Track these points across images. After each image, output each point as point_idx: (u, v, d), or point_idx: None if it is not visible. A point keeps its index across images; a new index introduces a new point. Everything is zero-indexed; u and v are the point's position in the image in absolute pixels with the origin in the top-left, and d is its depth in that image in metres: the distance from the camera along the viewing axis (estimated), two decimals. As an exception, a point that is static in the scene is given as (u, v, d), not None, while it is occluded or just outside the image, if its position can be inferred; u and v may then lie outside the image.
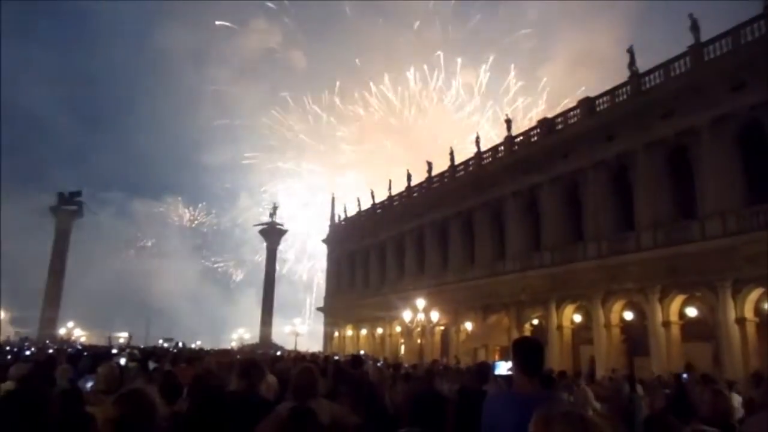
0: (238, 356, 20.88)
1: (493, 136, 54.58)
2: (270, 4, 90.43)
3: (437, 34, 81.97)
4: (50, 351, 23.16)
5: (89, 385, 6.65)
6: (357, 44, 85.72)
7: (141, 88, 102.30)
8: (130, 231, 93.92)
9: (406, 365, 20.01)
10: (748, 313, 21.31)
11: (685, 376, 13.32)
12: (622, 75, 27.65)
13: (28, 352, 22.12)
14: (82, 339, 61.87)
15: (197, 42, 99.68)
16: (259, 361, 5.81)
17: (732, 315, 21.29)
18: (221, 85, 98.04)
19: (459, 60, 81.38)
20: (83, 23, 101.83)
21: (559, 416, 1.83)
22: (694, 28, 23.89)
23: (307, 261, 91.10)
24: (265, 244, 73.25)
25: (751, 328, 21.28)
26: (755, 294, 21.15)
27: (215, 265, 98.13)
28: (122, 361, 11.44)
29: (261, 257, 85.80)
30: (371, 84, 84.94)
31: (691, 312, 23.77)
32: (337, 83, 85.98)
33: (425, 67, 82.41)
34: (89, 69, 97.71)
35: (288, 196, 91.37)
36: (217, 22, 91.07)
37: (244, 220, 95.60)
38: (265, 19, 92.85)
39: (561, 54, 77.44)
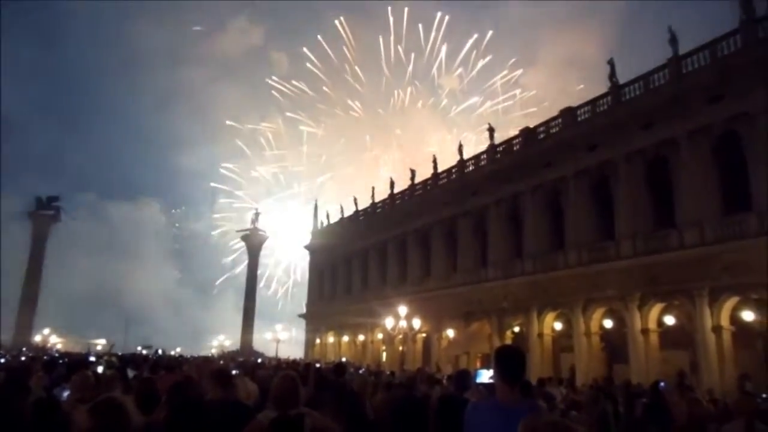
0: (221, 362, 20.68)
1: (476, 141, 54.86)
2: (249, 7, 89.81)
3: (420, 37, 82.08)
4: (23, 359, 22.68)
5: (65, 393, 6.52)
6: (340, 47, 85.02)
7: (115, 87, 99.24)
8: (105, 235, 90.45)
9: (387, 372, 19.97)
10: (725, 321, 21.65)
11: (662, 384, 13.43)
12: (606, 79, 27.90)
13: (1, 360, 21.61)
14: (59, 346, 60.71)
15: (174, 41, 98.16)
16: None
17: (709, 323, 21.62)
18: (199, 86, 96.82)
19: (443, 62, 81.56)
20: (54, 21, 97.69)
21: (545, 426, 1.84)
22: (673, 40, 24.38)
23: (288, 267, 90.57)
24: (245, 249, 72.64)
25: (727, 336, 21.62)
26: (731, 302, 21.50)
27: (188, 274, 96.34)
28: (99, 369, 11.22)
29: (240, 262, 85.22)
30: (355, 86, 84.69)
31: (669, 320, 24.09)
32: (323, 88, 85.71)
33: (409, 68, 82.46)
34: (61, 68, 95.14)
35: (269, 200, 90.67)
36: (195, 28, 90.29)
37: (223, 224, 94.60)
38: (246, 19, 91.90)
39: (545, 58, 78.14)
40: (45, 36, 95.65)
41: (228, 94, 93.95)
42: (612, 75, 27.28)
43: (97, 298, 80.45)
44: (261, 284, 79.36)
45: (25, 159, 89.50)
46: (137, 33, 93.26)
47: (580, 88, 57.69)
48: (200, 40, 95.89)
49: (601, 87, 28.87)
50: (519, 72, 77.05)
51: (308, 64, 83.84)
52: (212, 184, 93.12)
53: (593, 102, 28.48)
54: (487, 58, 78.04)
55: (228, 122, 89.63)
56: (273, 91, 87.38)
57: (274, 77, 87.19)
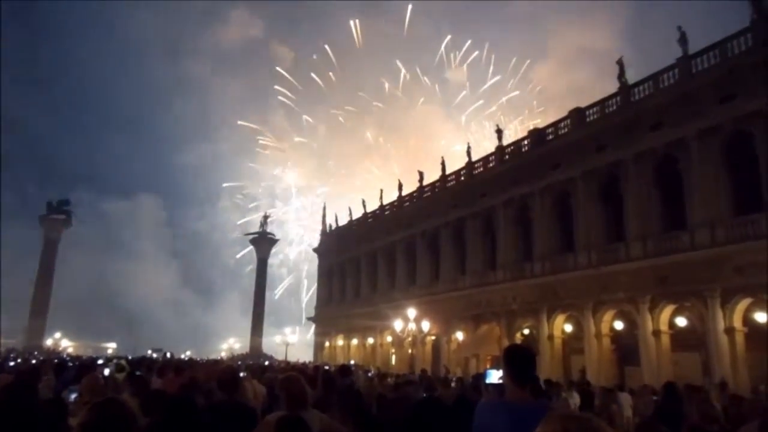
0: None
1: (483, 139, 54.41)
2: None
3: (427, 31, 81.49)
4: (34, 362, 22.82)
5: (74, 396, 6.53)
6: (345, 42, 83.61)
7: (109, 81, 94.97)
8: (105, 235, 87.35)
9: (394, 374, 19.94)
10: (737, 322, 21.43)
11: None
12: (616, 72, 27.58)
13: (12, 363, 21.76)
14: (70, 350, 61.12)
15: (173, 33, 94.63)
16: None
17: (721, 325, 21.39)
18: (199, 80, 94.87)
19: (455, 56, 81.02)
20: (44, 11, 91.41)
21: (572, 418, 1.80)
22: (683, 40, 24.19)
23: (296, 269, 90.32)
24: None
25: (739, 338, 21.39)
26: (744, 304, 21.27)
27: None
28: (106, 371, 11.24)
29: (244, 264, 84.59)
30: (359, 83, 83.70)
31: (681, 321, 23.85)
32: (332, 77, 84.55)
33: (416, 66, 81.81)
34: (54, 61, 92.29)
35: (273, 200, 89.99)
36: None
37: (224, 223, 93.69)
38: (247, 11, 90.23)
39: (555, 52, 77.29)
40: (39, 29, 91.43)
41: (229, 89, 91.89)
42: (621, 75, 27.10)
43: (103, 302, 79.68)
44: (269, 286, 79.04)
45: (19, 156, 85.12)
46: (132, 22, 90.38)
47: (591, 84, 57.10)
48: (200, 32, 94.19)
49: (611, 82, 28.58)
50: (521, 79, 76.44)
51: (311, 57, 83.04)
52: (212, 182, 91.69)
53: (602, 102, 28.30)
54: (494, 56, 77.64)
55: (242, 117, 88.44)
56: (276, 86, 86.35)
57: (275, 71, 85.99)
